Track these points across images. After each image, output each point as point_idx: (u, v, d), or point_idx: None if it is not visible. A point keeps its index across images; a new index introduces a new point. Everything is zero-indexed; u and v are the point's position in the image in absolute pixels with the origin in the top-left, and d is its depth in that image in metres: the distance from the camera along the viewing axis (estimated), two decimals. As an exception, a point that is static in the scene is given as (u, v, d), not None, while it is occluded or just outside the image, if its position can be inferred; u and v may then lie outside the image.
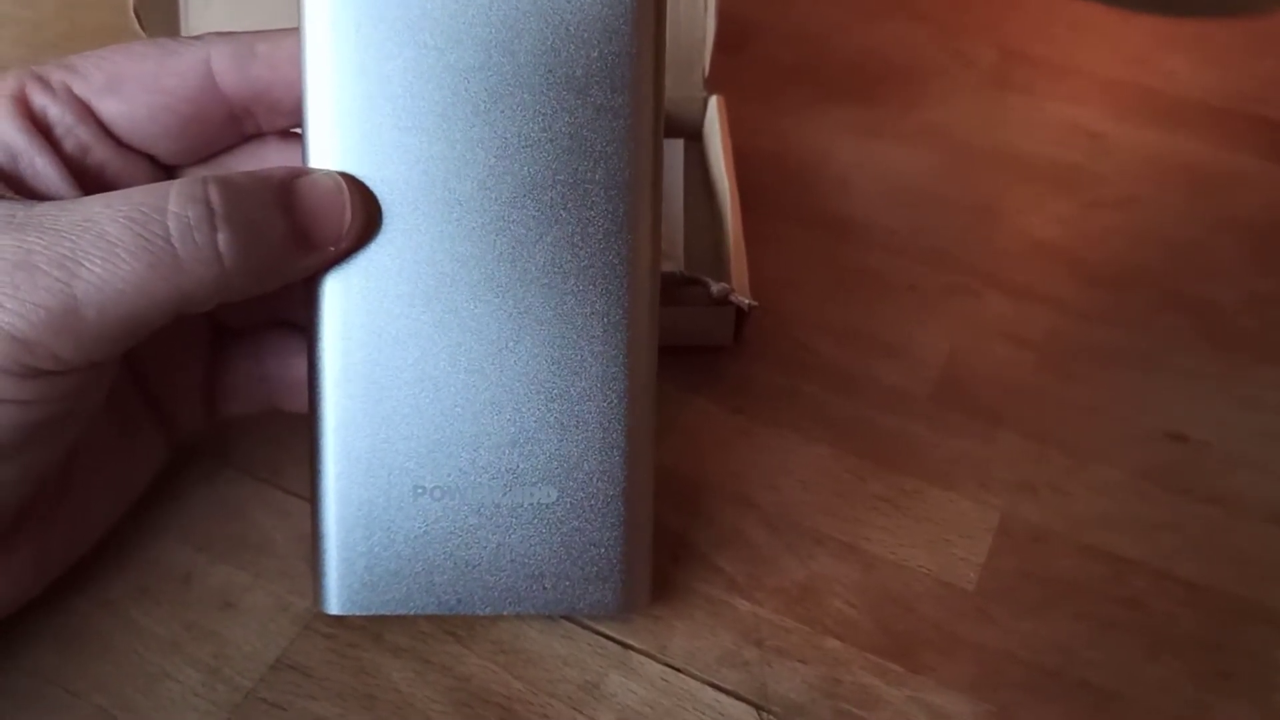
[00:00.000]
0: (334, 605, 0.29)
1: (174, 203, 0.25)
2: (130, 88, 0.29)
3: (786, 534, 0.35)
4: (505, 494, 0.29)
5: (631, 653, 0.32)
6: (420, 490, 0.29)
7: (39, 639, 0.31)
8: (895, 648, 0.32)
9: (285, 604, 0.32)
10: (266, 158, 0.31)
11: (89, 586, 0.32)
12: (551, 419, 0.29)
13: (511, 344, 0.29)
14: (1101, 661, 0.32)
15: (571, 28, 0.27)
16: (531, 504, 0.29)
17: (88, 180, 0.29)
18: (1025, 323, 0.43)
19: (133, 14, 0.44)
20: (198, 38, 0.29)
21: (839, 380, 0.40)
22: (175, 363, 0.32)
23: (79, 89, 0.29)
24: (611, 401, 0.29)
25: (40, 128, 0.29)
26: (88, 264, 0.25)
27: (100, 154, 0.29)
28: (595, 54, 0.27)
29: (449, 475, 0.29)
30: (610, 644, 0.32)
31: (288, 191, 0.27)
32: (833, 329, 0.42)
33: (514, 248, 0.28)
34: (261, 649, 0.31)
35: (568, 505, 0.29)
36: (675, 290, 0.38)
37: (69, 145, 0.29)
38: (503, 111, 0.28)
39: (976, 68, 0.56)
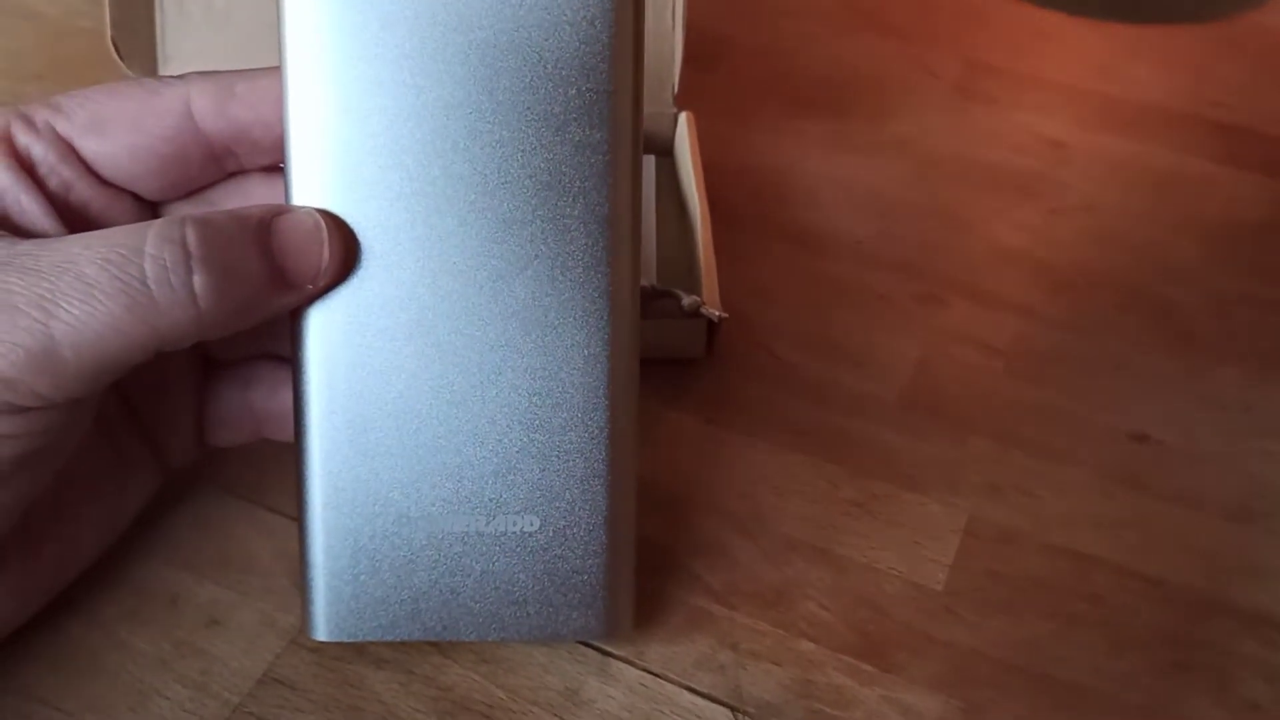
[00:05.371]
0: (322, 632, 0.30)
1: (151, 245, 0.26)
2: (112, 127, 0.30)
3: (761, 541, 0.36)
4: (488, 523, 0.30)
5: (610, 659, 0.33)
6: (405, 519, 0.30)
7: (31, 660, 0.31)
8: (867, 648, 0.33)
9: (271, 620, 0.33)
10: (250, 193, 0.31)
11: (80, 608, 0.33)
12: (533, 449, 0.29)
13: (493, 376, 0.29)
14: (1067, 657, 0.33)
15: (550, 65, 0.28)
16: (515, 533, 0.30)
17: (72, 216, 0.30)
18: (992, 329, 0.44)
19: (110, 44, 0.45)
20: (180, 77, 0.30)
21: (810, 389, 0.41)
22: (166, 394, 0.33)
23: (62, 128, 0.30)
24: (593, 432, 0.30)
25: (25, 166, 0.29)
26: (66, 305, 0.25)
27: (83, 191, 0.30)
28: (574, 91, 0.28)
29: (433, 505, 0.30)
30: (589, 651, 0.33)
31: (266, 231, 0.27)
32: (803, 339, 0.43)
33: (495, 282, 0.29)
34: (248, 665, 0.32)
35: (550, 534, 0.30)
36: (647, 304, 0.39)
37: (53, 183, 0.30)
38: (483, 148, 0.28)
39: (943, 80, 0.57)
